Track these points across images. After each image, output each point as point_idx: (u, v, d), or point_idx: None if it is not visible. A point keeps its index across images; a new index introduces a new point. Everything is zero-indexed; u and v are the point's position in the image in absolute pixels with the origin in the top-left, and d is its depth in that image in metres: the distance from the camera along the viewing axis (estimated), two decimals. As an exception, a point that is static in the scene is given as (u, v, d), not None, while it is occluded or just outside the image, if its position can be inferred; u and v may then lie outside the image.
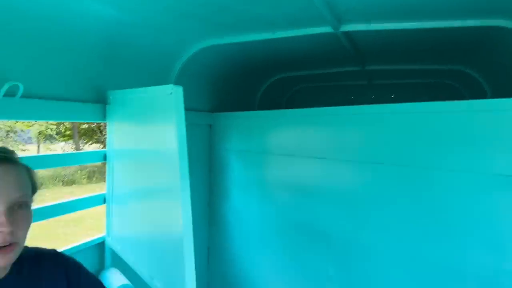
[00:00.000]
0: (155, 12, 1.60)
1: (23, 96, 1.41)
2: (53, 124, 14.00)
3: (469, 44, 2.03)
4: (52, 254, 0.98)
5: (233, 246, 2.63)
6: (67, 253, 1.03)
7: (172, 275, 1.27)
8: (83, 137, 14.91)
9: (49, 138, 15.09)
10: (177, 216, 1.21)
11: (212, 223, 2.75)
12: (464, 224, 1.55)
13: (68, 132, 14.64)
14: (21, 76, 1.40)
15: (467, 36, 1.87)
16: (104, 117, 1.81)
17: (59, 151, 13.56)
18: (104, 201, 1.87)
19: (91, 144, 15.09)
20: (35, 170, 0.90)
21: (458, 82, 2.99)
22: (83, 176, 13.22)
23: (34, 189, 0.87)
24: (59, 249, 1.04)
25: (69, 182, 12.41)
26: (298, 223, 2.23)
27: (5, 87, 1.33)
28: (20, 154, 0.89)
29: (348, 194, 2.00)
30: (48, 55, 1.51)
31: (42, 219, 1.52)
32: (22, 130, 14.24)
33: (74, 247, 1.73)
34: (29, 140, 15.83)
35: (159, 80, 2.16)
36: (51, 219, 1.69)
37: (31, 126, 13.79)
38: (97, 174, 13.64)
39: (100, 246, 1.87)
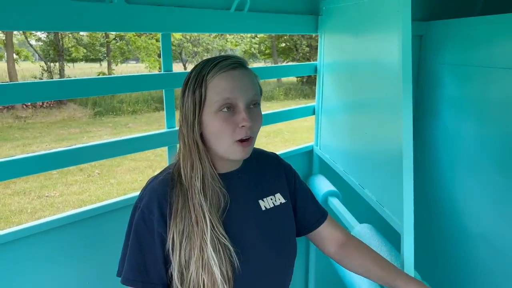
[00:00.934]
0: None
1: (249, 10, 1.52)
2: (256, 43, 15.31)
3: None
4: (274, 156, 1.08)
5: (438, 168, 2.45)
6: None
7: (387, 188, 1.26)
8: (281, 55, 15.86)
9: (251, 56, 16.65)
10: (396, 130, 1.16)
11: (417, 142, 2.58)
12: None
13: (268, 51, 15.80)
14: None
15: None
16: (316, 29, 1.81)
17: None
18: (314, 112, 1.96)
19: (287, 61, 15.98)
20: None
21: None
22: (281, 93, 14.36)
23: (260, 92, 0.94)
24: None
25: (269, 98, 13.70)
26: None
27: (236, 1, 1.45)
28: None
29: None
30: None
31: (265, 124, 1.70)
32: (231, 49, 16.10)
33: (285, 153, 1.89)
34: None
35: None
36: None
37: (237, 45, 15.44)
38: (293, 92, 14.56)
39: (309, 153, 2.01)
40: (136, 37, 13.04)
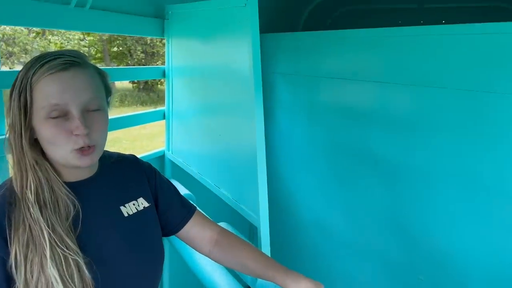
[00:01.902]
0: None
1: (91, 7, 1.41)
2: (85, 46, 14.07)
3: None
4: (133, 158, 1.04)
5: (276, 166, 2.72)
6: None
7: (243, 186, 1.35)
8: (114, 60, 14.99)
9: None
10: (250, 132, 1.25)
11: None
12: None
13: (99, 55, 14.72)
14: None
15: None
16: (162, 33, 1.80)
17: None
18: (164, 117, 1.93)
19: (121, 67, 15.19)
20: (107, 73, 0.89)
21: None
22: (116, 99, 13.55)
23: (108, 92, 0.88)
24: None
25: (102, 104, 12.73)
26: (348, 148, 2.25)
27: (76, -4, 1.33)
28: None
29: (401, 119, 1.98)
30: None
31: (114, 129, 1.60)
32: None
33: (135, 159, 1.83)
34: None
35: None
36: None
37: (62, 47, 13.90)
38: (129, 98, 13.94)
39: (160, 159, 1.98)
40: None
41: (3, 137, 1.21)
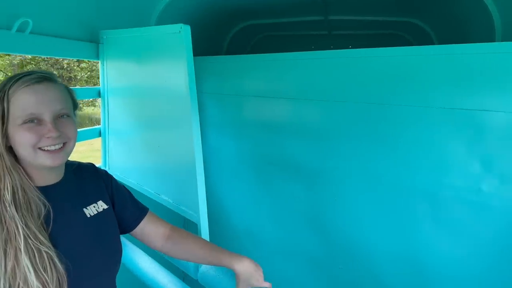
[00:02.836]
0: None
1: (31, 32, 1.51)
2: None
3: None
4: (91, 166, 1.18)
5: (207, 177, 2.89)
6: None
7: (183, 190, 1.52)
8: None
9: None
10: (187, 142, 1.44)
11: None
12: (412, 149, 1.91)
13: (7, 79, 13.57)
14: (30, 12, 1.49)
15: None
16: (97, 56, 1.92)
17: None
18: (100, 134, 2.03)
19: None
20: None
21: (409, 34, 3.34)
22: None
23: (75, 105, 1.03)
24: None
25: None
26: (271, 157, 2.52)
27: (18, 22, 1.42)
28: None
29: (315, 130, 2.30)
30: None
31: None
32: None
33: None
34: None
35: (138, 23, 2.24)
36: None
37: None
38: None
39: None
40: None
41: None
